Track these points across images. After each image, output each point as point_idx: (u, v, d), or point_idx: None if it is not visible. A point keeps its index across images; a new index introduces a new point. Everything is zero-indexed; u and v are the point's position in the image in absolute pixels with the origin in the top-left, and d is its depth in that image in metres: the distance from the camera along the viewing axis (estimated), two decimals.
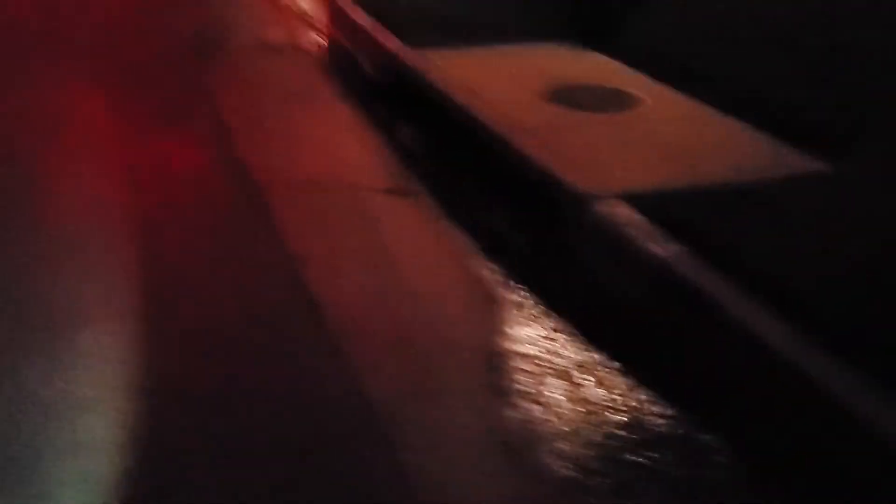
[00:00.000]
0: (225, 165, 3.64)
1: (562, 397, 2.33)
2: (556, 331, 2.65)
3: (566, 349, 2.56)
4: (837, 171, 3.17)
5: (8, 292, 2.65)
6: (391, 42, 4.72)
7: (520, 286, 2.89)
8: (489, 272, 2.97)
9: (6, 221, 3.07)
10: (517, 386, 2.38)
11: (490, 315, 2.73)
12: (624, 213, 2.86)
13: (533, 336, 2.62)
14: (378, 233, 3.19)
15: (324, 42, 5.48)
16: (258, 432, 2.15)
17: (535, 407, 2.30)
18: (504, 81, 4.14)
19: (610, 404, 2.31)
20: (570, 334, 2.63)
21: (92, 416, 2.15)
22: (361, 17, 5.18)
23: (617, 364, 2.48)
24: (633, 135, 3.56)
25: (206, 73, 4.75)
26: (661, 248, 2.64)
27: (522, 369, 2.45)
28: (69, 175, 3.45)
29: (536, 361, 2.49)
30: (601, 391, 2.37)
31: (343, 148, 3.92)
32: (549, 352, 2.54)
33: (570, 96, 4.01)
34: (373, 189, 3.54)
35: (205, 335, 2.52)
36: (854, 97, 3.58)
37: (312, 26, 5.83)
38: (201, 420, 2.17)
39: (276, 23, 5.86)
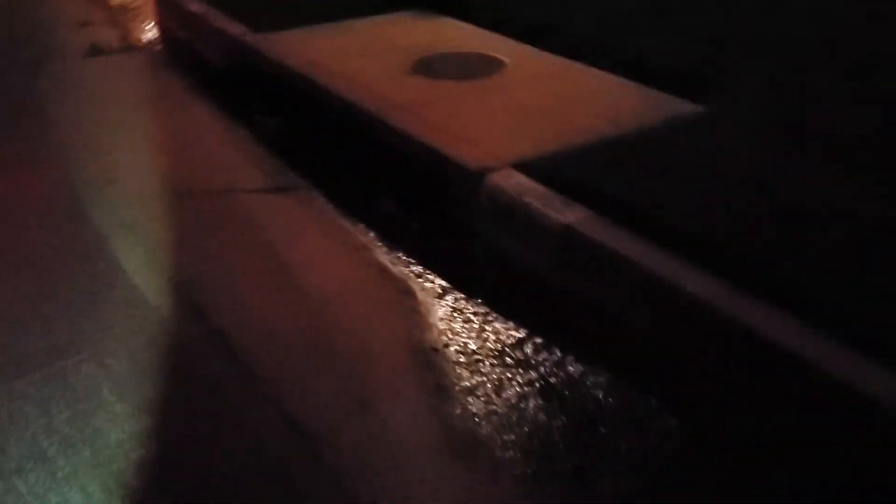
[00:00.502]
0: (71, 190, 3.29)
1: (498, 384, 2.27)
2: (475, 314, 2.58)
3: (489, 332, 2.50)
4: (706, 111, 3.25)
5: None
6: (234, 28, 4.43)
7: (427, 272, 2.80)
8: (392, 262, 2.86)
9: None
10: (450, 379, 2.30)
11: (404, 307, 2.62)
12: (519, 183, 2.81)
13: (453, 323, 2.54)
14: (266, 238, 2.98)
15: (159, 38, 5.09)
16: (180, 467, 1.97)
17: (474, 399, 2.23)
18: (362, 58, 3.98)
19: (548, 383, 2.27)
20: (489, 315, 2.57)
21: None
22: (195, 5, 4.83)
23: (541, 339, 2.45)
24: (505, 99, 3.50)
25: (35, 86, 4.29)
26: (565, 214, 2.61)
27: (451, 360, 2.37)
28: None
29: (463, 350, 2.42)
30: (534, 372, 2.32)
31: (206, 149, 3.65)
32: (473, 337, 2.47)
33: (433, 66, 3.91)
34: (250, 190, 3.31)
35: None
36: (705, 36, 3.70)
37: (139, 20, 5.40)
38: None
39: (99, 21, 5.38)
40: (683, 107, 3.32)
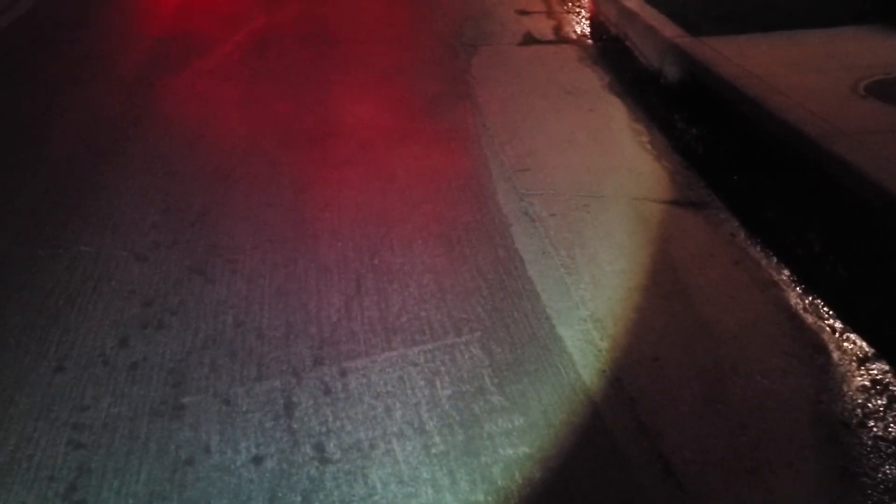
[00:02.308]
0: (487, 172, 3.39)
1: None
2: None
3: None
4: None
5: None
6: (669, 29, 4.27)
7: (848, 329, 2.40)
8: (806, 309, 2.51)
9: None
10: (861, 467, 1.93)
11: (815, 366, 2.27)
12: None
13: (873, 399, 2.14)
14: (672, 256, 2.79)
15: (591, 31, 5.12)
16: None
17: (889, 499, 1.84)
18: (807, 74, 3.58)
19: None
20: None
21: None
22: (632, 2, 4.76)
23: None
24: None
25: (470, 67, 4.56)
26: None
27: (865, 444, 1.99)
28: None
29: (883, 434, 2.02)
30: None
31: (621, 150, 3.55)
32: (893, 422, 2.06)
33: (892, 91, 3.37)
34: (662, 201, 3.14)
35: None
36: None
37: (576, 13, 5.48)
38: None
39: (537, 11, 5.56)
40: None
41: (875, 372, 2.24)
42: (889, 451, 1.98)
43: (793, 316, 2.49)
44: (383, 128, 3.82)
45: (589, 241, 2.89)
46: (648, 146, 3.57)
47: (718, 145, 3.50)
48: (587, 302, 2.57)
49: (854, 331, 2.41)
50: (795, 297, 2.57)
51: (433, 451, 2.04)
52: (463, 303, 2.58)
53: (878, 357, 2.30)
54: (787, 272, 2.69)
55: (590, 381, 2.25)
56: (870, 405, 2.13)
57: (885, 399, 2.14)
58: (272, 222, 3.05)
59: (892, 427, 2.05)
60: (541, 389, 2.22)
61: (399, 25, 5.37)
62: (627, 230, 2.96)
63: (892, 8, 4.18)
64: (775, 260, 2.75)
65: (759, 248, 2.82)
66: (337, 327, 2.48)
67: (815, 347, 2.35)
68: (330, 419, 2.15)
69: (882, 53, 3.79)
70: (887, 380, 2.21)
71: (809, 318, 2.47)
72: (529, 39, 5.00)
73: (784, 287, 2.62)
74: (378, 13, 5.63)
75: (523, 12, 5.53)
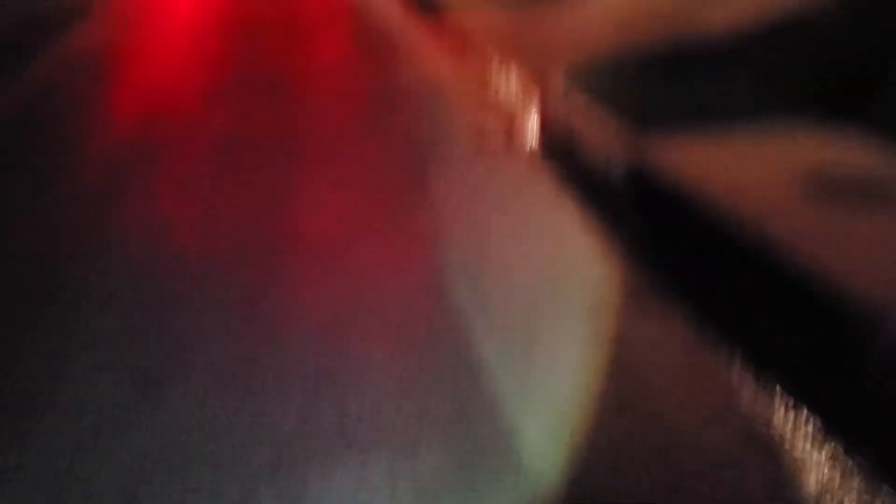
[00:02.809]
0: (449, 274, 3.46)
1: None
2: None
3: None
4: None
5: None
6: (614, 129, 4.44)
7: (819, 433, 2.40)
8: (768, 412, 2.52)
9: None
10: None
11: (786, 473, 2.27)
12: None
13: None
14: (626, 357, 2.82)
15: (540, 134, 5.29)
16: None
17: None
18: (752, 172, 3.71)
19: None
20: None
21: None
22: (578, 106, 4.95)
23: None
24: None
25: (426, 177, 4.66)
26: None
27: None
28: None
29: None
30: None
31: (576, 254, 3.62)
32: None
33: (836, 188, 3.49)
34: (610, 303, 3.20)
35: None
36: None
37: (525, 122, 5.68)
38: None
39: (491, 120, 5.74)
40: None
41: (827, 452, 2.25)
42: None
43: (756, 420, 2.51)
44: (335, 234, 3.90)
45: (549, 341, 2.94)
46: (601, 249, 3.65)
47: (672, 248, 3.59)
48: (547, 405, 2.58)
49: (826, 435, 2.43)
50: (758, 400, 2.60)
51: None
52: (419, 420, 2.58)
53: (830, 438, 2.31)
54: (750, 375, 2.73)
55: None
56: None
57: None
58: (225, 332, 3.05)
59: None
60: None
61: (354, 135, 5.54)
62: (580, 336, 3.01)
63: (828, 100, 4.38)
64: (737, 362, 2.80)
65: (717, 350, 2.87)
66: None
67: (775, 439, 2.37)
68: None
69: (825, 150, 3.95)
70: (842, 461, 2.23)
71: (775, 424, 2.50)
72: (485, 148, 5.14)
73: (747, 390, 2.66)
74: (334, 125, 5.78)
75: (478, 122, 5.69)
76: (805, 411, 2.45)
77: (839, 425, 2.37)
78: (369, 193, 4.41)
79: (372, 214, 4.13)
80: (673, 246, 3.57)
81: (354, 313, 3.13)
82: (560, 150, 4.93)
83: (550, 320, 3.02)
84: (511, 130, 5.45)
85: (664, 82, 5.18)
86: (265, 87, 6.46)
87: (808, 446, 2.29)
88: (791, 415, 2.44)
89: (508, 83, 6.46)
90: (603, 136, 4.45)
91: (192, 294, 3.30)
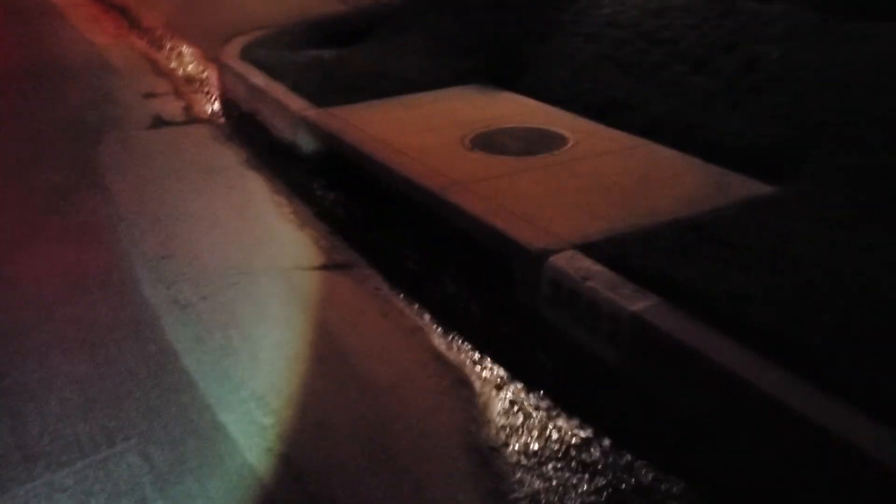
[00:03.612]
0: (127, 264, 3.25)
1: (562, 491, 2.10)
2: (537, 409, 2.42)
3: (552, 430, 2.33)
4: (786, 194, 3.08)
5: None
6: (295, 102, 4.44)
7: (485, 359, 2.66)
8: (448, 347, 2.73)
9: None
10: (509, 484, 2.13)
11: (461, 399, 2.48)
12: (584, 266, 2.67)
13: (512, 418, 2.38)
14: (324, 319, 2.88)
15: (222, 110, 5.13)
16: None
17: None
18: (422, 133, 3.93)
19: (616, 491, 2.09)
20: (552, 410, 2.41)
21: None
22: (259, 79, 4.88)
23: (609, 440, 2.28)
24: (568, 177, 3.39)
25: (97, 154, 4.34)
26: (634, 301, 2.46)
27: (510, 463, 2.21)
28: None
29: (524, 450, 2.26)
30: (601, 478, 2.15)
31: (264, 224, 3.60)
32: (535, 436, 2.31)
33: (493, 141, 3.83)
34: (308, 268, 3.23)
35: None
36: (776, 116, 3.54)
37: (204, 92, 5.47)
38: None
39: (164, 93, 5.46)
40: (760, 188, 3.17)
41: (510, 394, 2.50)
42: (529, 464, 2.21)
43: (437, 356, 2.69)
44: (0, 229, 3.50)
45: (243, 319, 2.88)
46: (292, 216, 3.67)
47: (356, 208, 3.70)
48: (247, 381, 2.55)
49: (491, 360, 2.66)
50: (437, 338, 2.79)
51: None
52: (114, 409, 2.43)
53: (512, 379, 2.56)
54: (427, 316, 2.90)
55: (257, 462, 2.23)
56: (510, 425, 2.36)
57: (521, 416, 2.40)
58: None
59: (528, 441, 2.30)
60: (207, 484, 2.15)
61: (15, 113, 4.98)
62: (280, 301, 3.00)
63: (484, 69, 4.75)
64: (417, 307, 2.97)
65: (402, 298, 3.02)
66: None
67: (460, 381, 2.56)
68: None
69: (481, 108, 4.29)
70: (522, 398, 2.48)
71: (452, 356, 2.69)
72: (159, 122, 4.90)
73: (427, 331, 2.83)
74: None
75: (150, 95, 5.41)
76: (488, 358, 2.67)
77: (521, 369, 2.63)
78: (33, 181, 4.00)
79: (39, 203, 3.76)
80: (359, 207, 3.68)
81: (31, 320, 2.85)
82: (241, 125, 4.83)
83: (246, 303, 2.97)
84: (192, 103, 5.24)
85: (340, 52, 5.28)
86: None
87: (493, 391, 2.51)
88: (476, 362, 2.65)
89: (181, 58, 6.19)
90: (287, 109, 4.43)
91: None
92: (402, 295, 3.04)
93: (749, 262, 2.56)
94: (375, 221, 3.53)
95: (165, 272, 3.18)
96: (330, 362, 2.65)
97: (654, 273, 2.55)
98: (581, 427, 2.33)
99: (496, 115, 4.15)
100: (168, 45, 6.44)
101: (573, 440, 2.28)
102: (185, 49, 6.22)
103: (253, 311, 2.93)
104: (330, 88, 4.56)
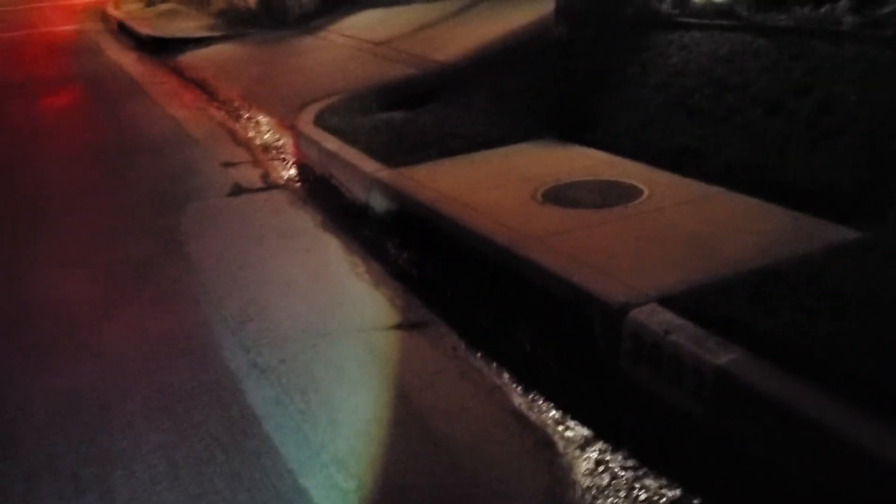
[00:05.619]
0: (207, 329, 3.32)
1: None
2: (623, 468, 2.35)
3: (639, 490, 2.25)
4: (873, 239, 2.96)
5: None
6: (367, 164, 4.53)
7: (567, 418, 2.60)
8: (529, 406, 2.68)
9: None
10: None
11: (544, 460, 2.42)
12: (666, 319, 2.61)
13: (598, 479, 2.32)
14: (398, 379, 2.87)
15: (298, 175, 5.27)
16: None
17: None
18: (492, 189, 3.95)
19: None
20: (638, 470, 2.33)
21: None
22: (331, 143, 5.00)
23: (699, 500, 2.19)
24: (644, 228, 3.34)
25: (179, 224, 4.49)
26: (718, 354, 2.38)
27: None
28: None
29: None
30: None
31: (340, 285, 3.64)
32: (622, 497, 2.23)
33: (564, 195, 3.81)
34: (384, 328, 3.24)
35: None
36: (857, 159, 3.43)
37: (281, 159, 5.63)
38: None
39: (242, 161, 5.64)
40: (842, 234, 3.06)
41: (595, 453, 2.43)
42: None
43: (518, 415, 2.65)
44: (86, 303, 3.62)
45: (322, 382, 2.90)
46: (366, 276, 3.70)
47: (429, 266, 3.72)
48: (327, 445, 2.55)
49: (573, 418, 2.60)
50: (518, 396, 2.75)
51: None
52: (198, 476, 2.45)
53: (595, 437, 2.50)
54: (506, 375, 2.87)
55: None
56: (596, 486, 2.30)
57: (607, 477, 2.33)
58: None
59: (616, 501, 2.22)
60: None
61: (103, 188, 5.23)
62: (357, 362, 3.01)
63: (551, 124, 4.77)
64: (495, 365, 2.93)
65: (479, 357, 2.99)
66: None
67: (542, 441, 2.51)
68: None
69: (549, 163, 4.29)
70: (607, 458, 2.41)
71: (533, 415, 2.64)
72: (238, 189, 5.05)
73: (507, 390, 2.79)
74: (77, 180, 5.43)
75: (228, 163, 5.59)
76: (570, 417, 2.61)
77: (604, 427, 2.56)
78: (119, 252, 4.16)
79: (124, 275, 3.90)
80: (433, 265, 3.70)
81: (117, 389, 2.92)
82: (316, 188, 4.94)
83: (325, 366, 2.99)
84: (269, 170, 5.39)
85: (408, 115, 5.37)
86: None
87: (577, 450, 2.45)
88: (558, 421, 2.60)
89: (258, 127, 6.41)
90: (359, 171, 4.52)
91: None
92: (479, 353, 3.02)
93: (838, 311, 2.46)
94: (450, 279, 3.53)
95: (245, 336, 3.24)
96: (409, 424, 2.63)
97: (738, 324, 2.47)
98: (669, 486, 2.24)
99: (566, 170, 4.14)
100: (245, 116, 6.69)
101: (661, 501, 2.20)
102: (262, 118, 6.45)
103: (331, 373, 2.94)
104: (400, 150, 4.63)
